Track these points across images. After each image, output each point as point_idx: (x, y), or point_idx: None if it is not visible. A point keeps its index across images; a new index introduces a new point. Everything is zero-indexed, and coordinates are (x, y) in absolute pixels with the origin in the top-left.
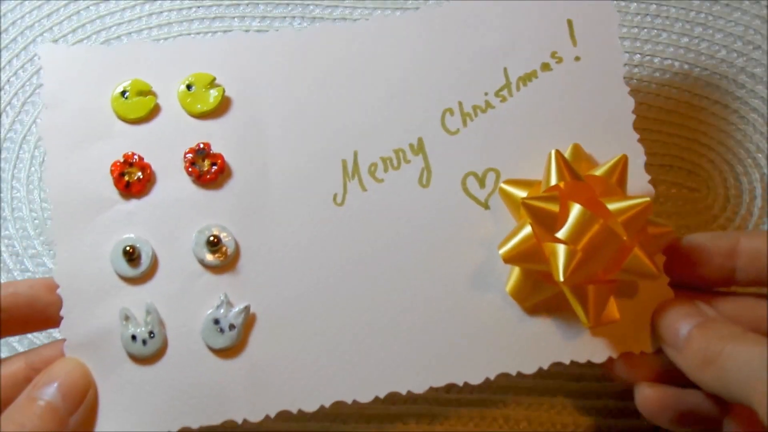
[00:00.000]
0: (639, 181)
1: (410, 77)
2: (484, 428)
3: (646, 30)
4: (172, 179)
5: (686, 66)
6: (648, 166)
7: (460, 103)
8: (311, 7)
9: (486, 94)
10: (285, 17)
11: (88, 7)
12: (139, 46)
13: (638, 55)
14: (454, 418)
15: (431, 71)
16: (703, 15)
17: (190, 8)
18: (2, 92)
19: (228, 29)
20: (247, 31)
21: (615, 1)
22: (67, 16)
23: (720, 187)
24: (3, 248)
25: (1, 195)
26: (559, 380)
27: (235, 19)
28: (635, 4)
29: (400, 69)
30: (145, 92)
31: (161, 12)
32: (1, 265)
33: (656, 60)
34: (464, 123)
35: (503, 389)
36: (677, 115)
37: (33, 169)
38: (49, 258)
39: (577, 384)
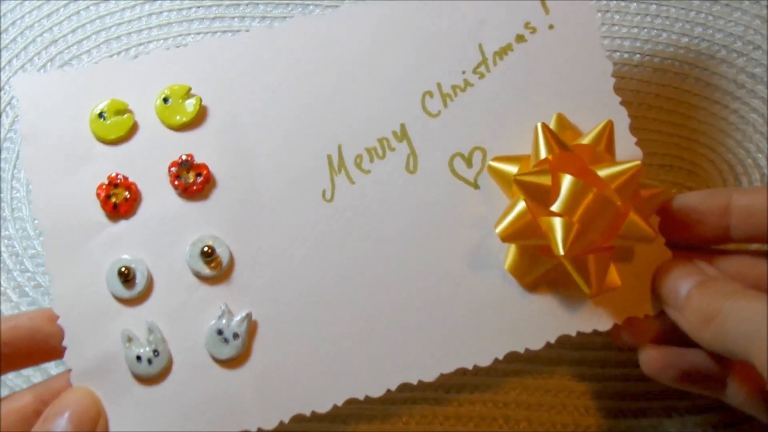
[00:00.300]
0: (626, 144)
1: (385, 64)
2: (484, 428)
3: (646, 30)
4: (159, 195)
5: (686, 66)
6: (648, 167)
7: (438, 85)
8: (311, 7)
9: (464, 72)
10: (285, 17)
11: (88, 7)
12: (111, 65)
13: (638, 55)
14: (453, 418)
15: (406, 56)
16: (703, 15)
17: (190, 8)
18: (2, 93)
19: (228, 29)
20: (247, 31)
21: (615, 2)
22: (67, 16)
23: (720, 186)
24: (3, 248)
25: (1, 195)
26: (559, 380)
27: (235, 19)
28: (635, 4)
29: (373, 57)
30: (123, 111)
31: (161, 12)
32: (1, 265)
33: (656, 60)
34: (445, 104)
35: (504, 389)
36: (677, 116)
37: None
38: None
39: (577, 384)
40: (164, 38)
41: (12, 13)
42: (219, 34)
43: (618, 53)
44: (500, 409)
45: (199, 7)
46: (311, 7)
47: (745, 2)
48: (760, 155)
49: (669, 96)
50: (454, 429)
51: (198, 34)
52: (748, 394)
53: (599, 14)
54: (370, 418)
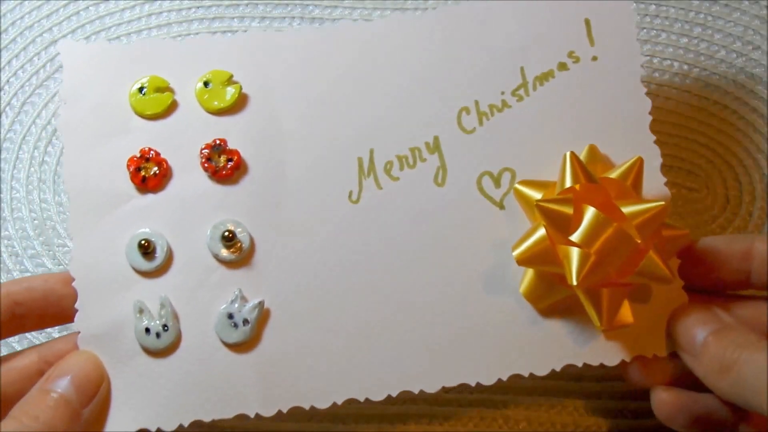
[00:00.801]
0: (655, 183)
1: (426, 76)
2: (483, 428)
3: (645, 30)
4: (189, 175)
5: (685, 66)
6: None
7: (476, 102)
8: (311, 7)
9: (503, 93)
10: (284, 17)
11: (87, 7)
12: (157, 43)
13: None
14: (453, 418)
15: (448, 70)
16: (703, 15)
17: (190, 8)
18: (2, 93)
19: (228, 29)
20: (246, 31)
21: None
22: (67, 16)
23: (719, 187)
24: (3, 249)
25: (1, 195)
26: (559, 380)
27: (235, 20)
28: (635, 4)
29: (416, 67)
30: (163, 89)
31: (161, 12)
32: (1, 265)
33: (655, 60)
34: (480, 122)
35: (503, 389)
36: (676, 116)
37: (32, 169)
38: (48, 258)
39: (576, 384)
40: (164, 38)
41: (11, 13)
42: (218, 34)
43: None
44: (500, 409)
45: (198, 8)
46: (311, 7)
47: (745, 2)
48: (759, 155)
49: (668, 96)
50: (453, 429)
51: (197, 34)
52: None
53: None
54: (370, 417)
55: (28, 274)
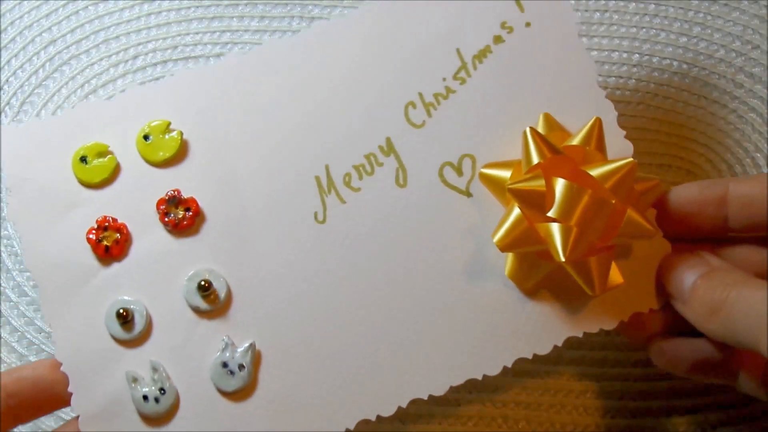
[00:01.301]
0: (615, 138)
1: (365, 78)
2: (483, 428)
3: (644, 30)
4: (150, 234)
5: (685, 66)
6: (647, 166)
7: (420, 95)
8: (310, 7)
9: (444, 79)
10: (284, 17)
11: (87, 7)
12: (89, 107)
13: (637, 55)
14: (453, 417)
15: (384, 68)
16: (702, 15)
17: (189, 8)
18: (1, 92)
19: (227, 29)
20: (246, 31)
21: (613, 1)
22: (66, 16)
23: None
24: (2, 248)
25: (1, 195)
26: (558, 380)
27: (234, 19)
28: (633, 3)
29: (353, 72)
30: (104, 153)
31: (160, 12)
32: (1, 265)
33: (655, 60)
34: (429, 113)
35: (502, 389)
36: (676, 115)
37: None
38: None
39: (576, 383)
40: (163, 38)
41: (11, 13)
42: (218, 33)
43: (617, 53)
44: (499, 408)
45: (198, 7)
46: (309, 7)
47: (744, 2)
48: (758, 154)
49: (667, 95)
50: (453, 428)
51: (197, 33)
52: (759, 381)
53: (597, 14)
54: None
55: (28, 274)
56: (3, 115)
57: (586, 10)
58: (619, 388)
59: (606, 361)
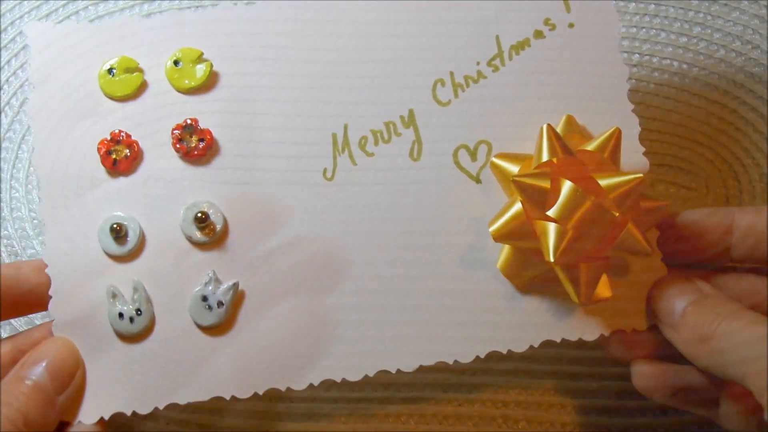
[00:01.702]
0: (633, 153)
1: (400, 48)
2: (482, 428)
3: (644, 30)
4: (160, 156)
5: (685, 65)
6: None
7: (451, 74)
8: (304, 9)
9: (478, 63)
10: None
11: (87, 7)
12: (125, 22)
13: (637, 55)
14: (452, 417)
15: (422, 42)
16: (702, 15)
17: (189, 8)
18: (1, 92)
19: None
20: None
21: (613, 1)
22: (66, 16)
23: (719, 186)
24: (2, 248)
25: (1, 195)
26: (558, 379)
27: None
28: (634, 3)
29: (390, 40)
30: (132, 69)
31: (160, 12)
32: (1, 264)
33: (655, 59)
34: (455, 94)
35: (502, 389)
36: (676, 115)
37: (32, 169)
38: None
39: (575, 383)
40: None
41: (11, 13)
42: (188, 10)
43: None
44: (499, 408)
45: (197, 8)
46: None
47: (744, 2)
48: (758, 154)
49: (667, 95)
50: (453, 428)
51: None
52: (742, 416)
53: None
54: (368, 417)
55: None
56: (3, 114)
57: None
58: (618, 387)
59: (605, 360)
